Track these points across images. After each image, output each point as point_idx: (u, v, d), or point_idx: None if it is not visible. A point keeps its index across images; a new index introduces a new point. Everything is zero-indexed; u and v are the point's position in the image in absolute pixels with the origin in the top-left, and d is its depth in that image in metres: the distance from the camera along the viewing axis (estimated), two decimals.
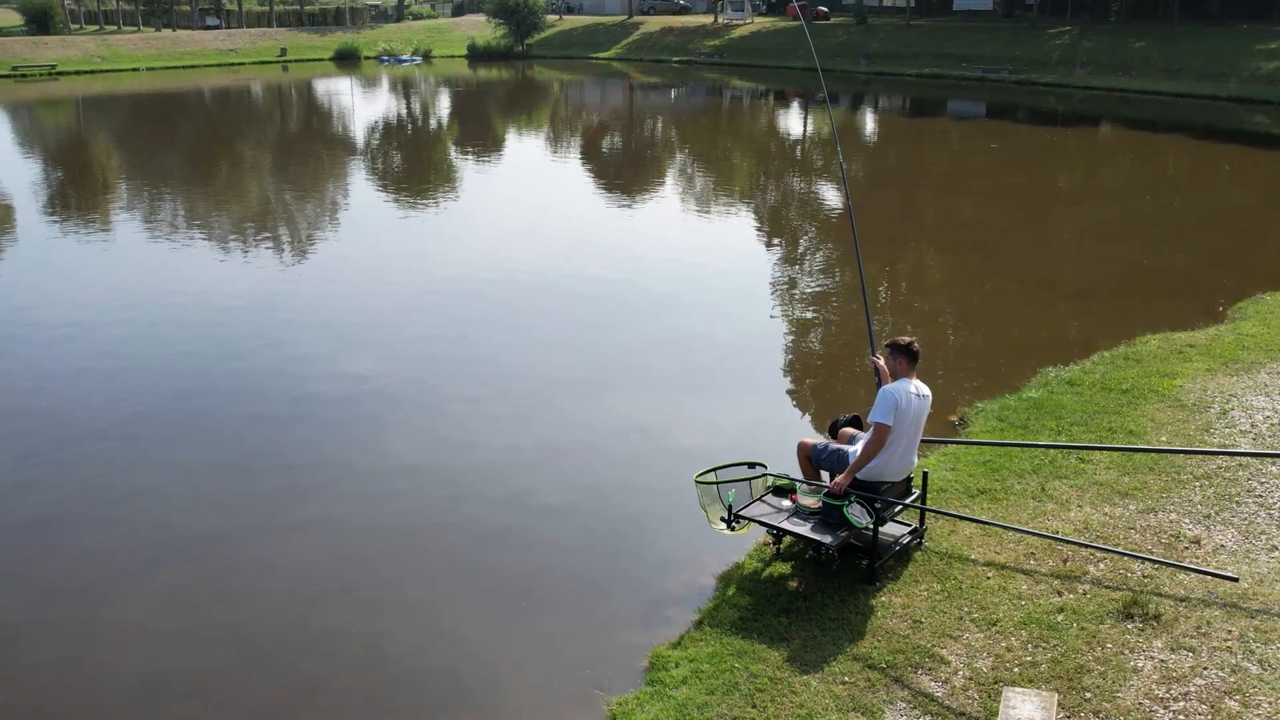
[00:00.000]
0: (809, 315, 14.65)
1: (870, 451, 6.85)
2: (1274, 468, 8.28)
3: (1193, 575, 6.82)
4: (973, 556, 7.21)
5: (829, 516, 6.89)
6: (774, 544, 7.38)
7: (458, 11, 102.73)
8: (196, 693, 6.49)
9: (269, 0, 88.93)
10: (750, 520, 7.04)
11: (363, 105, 50.51)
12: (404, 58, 77.42)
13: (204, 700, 6.43)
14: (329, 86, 60.55)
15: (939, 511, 7.40)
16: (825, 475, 7.36)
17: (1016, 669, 5.97)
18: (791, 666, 6.11)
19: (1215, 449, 8.59)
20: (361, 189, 26.21)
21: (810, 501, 7.06)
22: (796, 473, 7.53)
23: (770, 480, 7.40)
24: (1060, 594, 6.71)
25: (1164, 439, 8.99)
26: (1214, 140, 34.26)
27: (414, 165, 31.39)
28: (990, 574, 6.99)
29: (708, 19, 79.69)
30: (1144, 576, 6.85)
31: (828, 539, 6.75)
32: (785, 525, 6.94)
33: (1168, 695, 5.69)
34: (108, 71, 65.14)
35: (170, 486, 9.19)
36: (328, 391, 11.38)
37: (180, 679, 6.64)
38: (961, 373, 11.91)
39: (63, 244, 19.37)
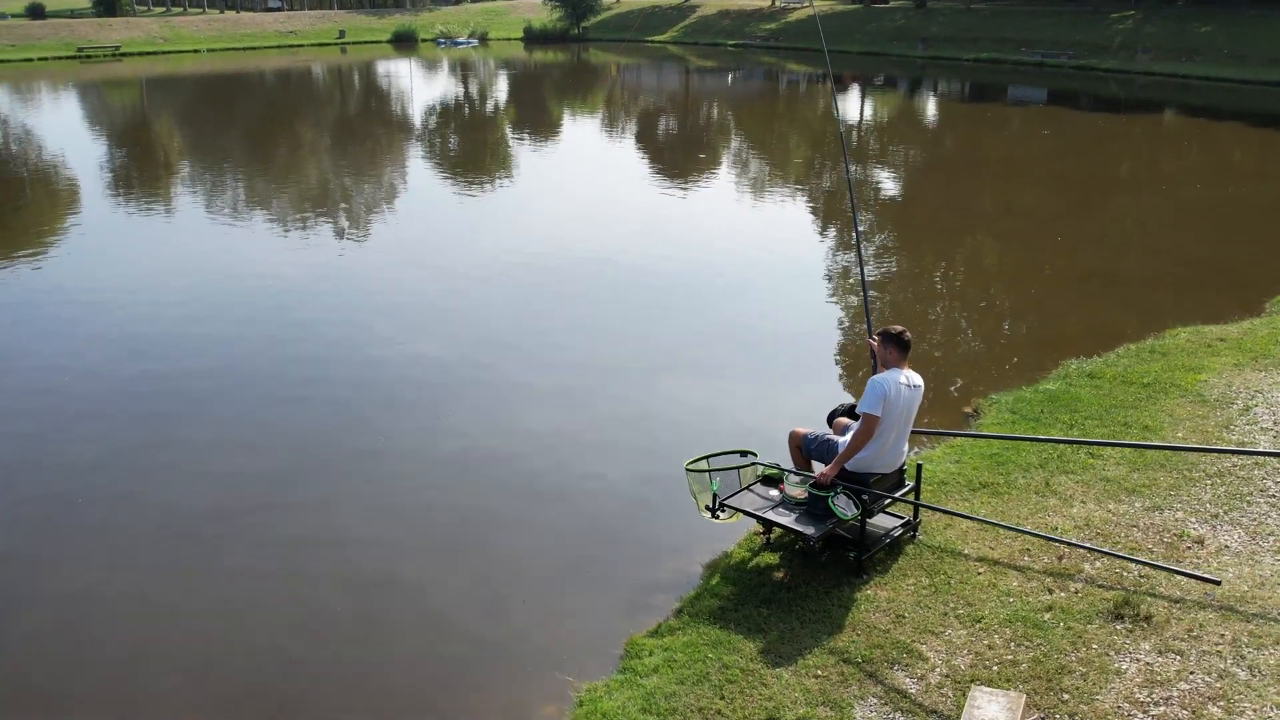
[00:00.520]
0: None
1: (858, 442, 6.73)
2: None
3: (1191, 576, 6.61)
4: (966, 551, 7.07)
5: (815, 507, 6.79)
6: (764, 534, 7.30)
7: None
8: (179, 667, 6.59)
9: None
10: (735, 509, 6.96)
11: (421, 87, 50.89)
12: (460, 40, 77.77)
13: (186, 675, 6.51)
14: (387, 68, 61.11)
15: (928, 505, 7.25)
16: (816, 465, 7.24)
17: (995, 667, 5.84)
18: (765, 658, 6.03)
19: (1227, 447, 8.33)
20: (419, 171, 26.50)
21: (797, 492, 6.96)
22: (790, 462, 7.43)
23: (760, 469, 7.30)
24: (1051, 592, 6.55)
25: (1180, 435, 8.74)
26: (1278, 129, 33.20)
27: (471, 147, 31.56)
28: (981, 570, 6.84)
29: (765, 2, 78.92)
30: (1140, 576, 6.66)
31: (811, 530, 6.65)
32: (770, 515, 6.85)
33: (1149, 699, 5.53)
34: (170, 53, 66.31)
35: (185, 462, 9.33)
36: (378, 373, 11.44)
37: (167, 650, 6.74)
38: (982, 363, 11.70)
39: (127, 223, 19.77)
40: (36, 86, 49.55)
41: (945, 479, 8.13)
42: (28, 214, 21.52)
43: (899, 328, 6.92)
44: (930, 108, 41.98)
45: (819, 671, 5.89)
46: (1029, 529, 7.14)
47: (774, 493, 7.10)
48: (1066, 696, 5.57)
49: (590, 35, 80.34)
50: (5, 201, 22.62)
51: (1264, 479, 7.88)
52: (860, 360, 11.99)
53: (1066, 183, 23.37)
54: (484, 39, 79.57)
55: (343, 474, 9.16)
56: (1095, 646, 5.97)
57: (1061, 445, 8.47)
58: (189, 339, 12.61)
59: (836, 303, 14.38)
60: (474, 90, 50.89)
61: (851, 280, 15.32)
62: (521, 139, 32.71)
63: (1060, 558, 6.95)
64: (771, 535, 7.28)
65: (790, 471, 7.13)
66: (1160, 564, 6.57)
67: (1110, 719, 5.40)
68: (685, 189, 23.68)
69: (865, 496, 6.71)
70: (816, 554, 7.01)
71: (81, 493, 8.76)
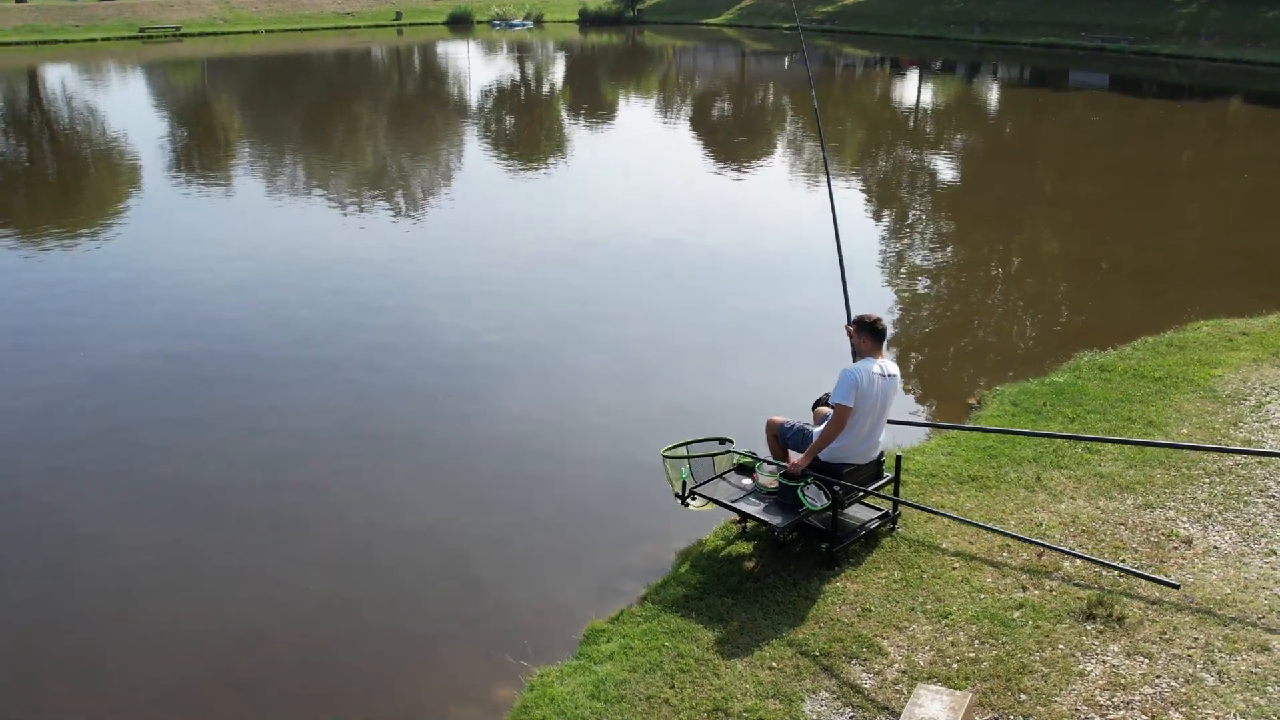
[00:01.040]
0: (917, 290, 14.23)
1: (829, 433, 6.61)
2: None
3: (1170, 577, 6.41)
4: (944, 546, 6.92)
5: (785, 498, 6.68)
6: (740, 523, 7.21)
7: None
8: (149, 638, 6.68)
9: None
10: (704, 497, 6.88)
11: (478, 69, 51.19)
12: (515, 22, 78.00)
13: (150, 644, 6.61)
14: (443, 50, 61.51)
15: (898, 500, 7.08)
16: (793, 455, 7.13)
17: (955, 665, 5.72)
18: (722, 648, 5.96)
19: (1221, 446, 8.07)
20: (475, 152, 26.75)
21: (768, 481, 6.85)
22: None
23: (736, 458, 7.21)
24: (1025, 589, 6.39)
25: (1184, 431, 8.49)
26: None
27: (527, 130, 31.68)
28: (957, 565, 6.70)
29: None
30: (1119, 576, 6.47)
31: (779, 520, 6.55)
32: (738, 505, 6.76)
33: (1109, 703, 5.37)
34: (229, 34, 67.32)
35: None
36: (433, 355, 11.53)
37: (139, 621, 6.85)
38: (994, 354, 11.48)
39: (187, 201, 20.21)
40: (102, 66, 50.64)
41: (934, 471, 7.98)
42: (92, 190, 22.02)
43: (874, 316, 6.78)
44: (989, 93, 41.16)
45: (774, 663, 5.80)
46: (993, 525, 6.98)
47: (747, 481, 7.01)
48: (1024, 697, 5.44)
49: (645, 18, 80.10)
50: (71, 179, 23.19)
51: (1265, 479, 7.62)
52: (909, 348, 11.83)
53: (1114, 171, 22.86)
54: (539, 21, 79.74)
55: (338, 453, 9.22)
56: (1062, 647, 5.82)
57: (1058, 440, 8.26)
58: (246, 318, 12.76)
59: (891, 290, 14.16)
60: (530, 72, 51.03)
61: (904, 269, 15.16)
62: (577, 122, 32.76)
63: (1040, 555, 6.78)
64: (747, 525, 7.19)
65: (763, 460, 7.03)
66: (1116, 564, 6.36)
67: None
68: (741, 173, 23.55)
69: (837, 488, 6.59)
70: (789, 544, 6.91)
71: (122, 462, 9.03)
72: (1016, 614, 6.13)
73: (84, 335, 12.13)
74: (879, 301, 13.34)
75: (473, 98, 38.91)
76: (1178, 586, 6.06)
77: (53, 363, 11.24)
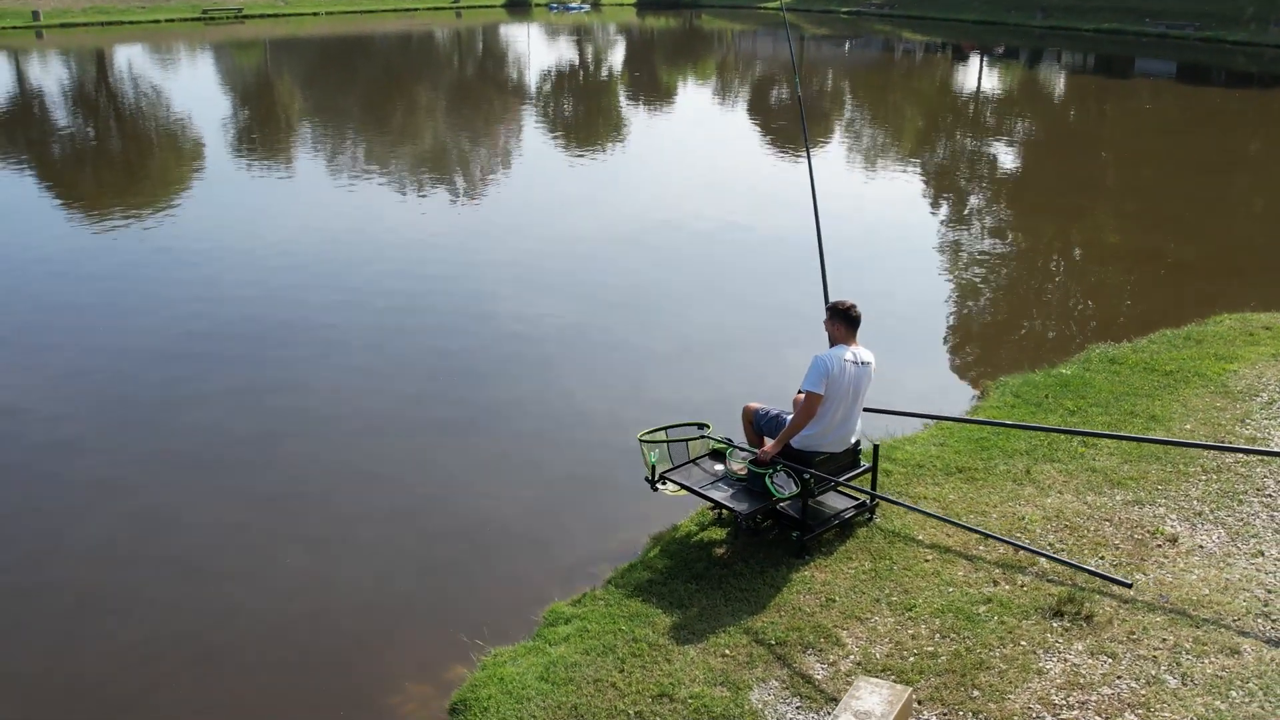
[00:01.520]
0: (950, 276, 14.02)
1: (799, 421, 6.51)
2: None
3: (1150, 576, 6.25)
4: (919, 537, 6.80)
5: (754, 484, 6.60)
6: (715, 509, 7.14)
7: None
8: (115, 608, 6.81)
9: None
10: (673, 482, 6.82)
11: (536, 51, 51.35)
12: (573, 5, 78.03)
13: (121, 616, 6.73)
14: (501, 32, 61.74)
15: (865, 491, 6.95)
16: (768, 442, 7.03)
17: (912, 659, 5.61)
18: (677, 634, 5.91)
19: (1209, 443, 7.82)
20: (535, 135, 26.83)
21: (738, 467, 6.78)
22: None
23: (711, 443, 7.14)
24: (996, 584, 6.25)
25: (1188, 427, 8.24)
26: None
27: (587, 112, 31.82)
28: (930, 557, 6.57)
29: None
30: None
31: (744, 507, 6.47)
32: (706, 491, 6.69)
33: (1063, 702, 5.24)
34: (290, 15, 68.13)
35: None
36: (485, 339, 11.56)
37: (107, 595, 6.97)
38: (1008, 345, 11.24)
39: (250, 181, 20.63)
40: (166, 48, 51.51)
41: (922, 461, 7.84)
42: (156, 168, 22.59)
43: (848, 302, 6.66)
44: (1052, 80, 40.21)
45: (727, 650, 5.74)
46: (952, 518, 6.84)
47: (720, 467, 6.94)
48: (976, 693, 5.32)
49: (703, 1, 79.61)
50: (135, 157, 23.73)
51: (1264, 477, 7.38)
52: (974, 337, 11.63)
53: (1175, 161, 22.36)
54: (596, 4, 79.70)
55: (347, 431, 9.31)
56: (1024, 643, 5.68)
57: (1054, 433, 8.06)
58: (306, 296, 12.94)
59: (951, 279, 13.96)
60: (589, 55, 51.05)
61: (964, 257, 14.97)
62: (636, 105, 32.71)
63: (1017, 549, 6.62)
64: (722, 511, 7.12)
65: (736, 447, 6.95)
66: (1068, 560, 6.17)
67: None
68: (799, 158, 23.35)
69: (806, 476, 6.49)
70: (763, 532, 6.84)
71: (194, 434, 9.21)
72: (983, 609, 6.00)
73: (122, 310, 12.43)
74: (909, 287, 13.15)
75: (531, 80, 39.05)
76: (1130, 585, 5.89)
77: (89, 336, 11.49)
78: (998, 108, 32.02)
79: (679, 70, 44.80)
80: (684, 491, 6.88)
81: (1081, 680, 5.38)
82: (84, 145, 25.62)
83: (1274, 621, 5.76)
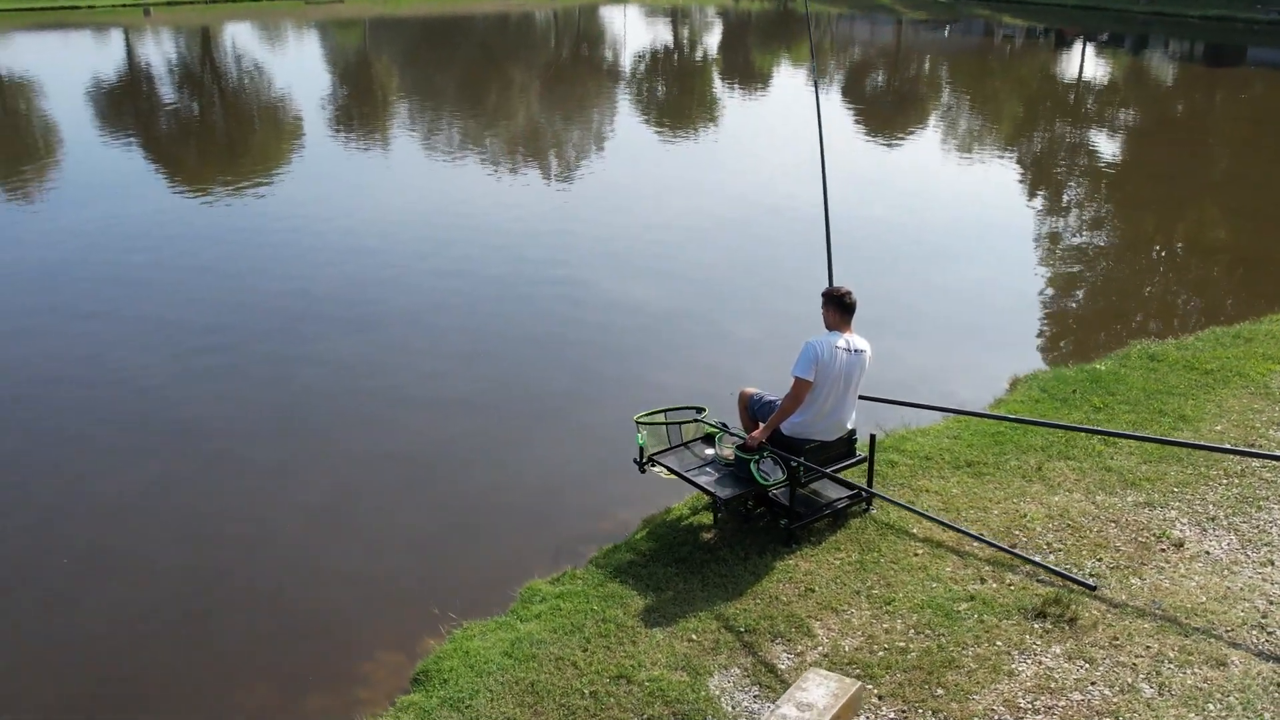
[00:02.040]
0: (1073, 271, 13.65)
1: (786, 407, 6.40)
2: None
3: (1146, 580, 6.01)
4: (914, 531, 6.64)
5: (740, 470, 6.52)
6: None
7: None
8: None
9: None
10: (661, 465, 6.77)
11: (632, 33, 51.42)
12: None
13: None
14: (599, 14, 61.87)
15: (846, 483, 6.79)
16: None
17: (881, 653, 5.49)
18: (648, 616, 5.87)
19: (1217, 445, 7.48)
20: (628, 117, 26.98)
21: (726, 452, 6.70)
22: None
23: (706, 427, 7.07)
24: (983, 581, 6.08)
25: (1219, 429, 7.90)
26: None
27: (681, 95, 31.81)
28: (920, 550, 6.42)
29: None
30: (1089, 575, 6.08)
31: (726, 492, 6.40)
32: (691, 474, 6.62)
33: (1029, 706, 5.07)
34: None
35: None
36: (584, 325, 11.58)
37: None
38: (1052, 337, 10.89)
39: (347, 158, 21.15)
40: (269, 27, 52.80)
41: (931, 453, 7.66)
42: (256, 145, 23.37)
43: (843, 288, 6.51)
44: (1158, 68, 38.70)
45: (695, 635, 5.69)
46: (929, 513, 6.66)
47: (710, 451, 6.87)
48: (940, 692, 5.18)
49: None
50: (237, 134, 24.50)
51: None
52: (1025, 328, 11.43)
53: (1271, 154, 21.33)
54: None
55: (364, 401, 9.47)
56: (1000, 644, 5.52)
57: (1054, 427, 7.80)
58: (380, 275, 13.09)
59: (1047, 270, 13.61)
60: (684, 37, 50.91)
61: (1060, 248, 14.62)
62: (731, 88, 32.57)
63: (1013, 545, 6.43)
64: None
65: (727, 431, 6.87)
66: (1036, 559, 5.95)
67: None
68: (896, 145, 23.03)
69: (794, 464, 6.39)
70: (753, 519, 6.76)
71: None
72: (964, 606, 5.84)
73: (211, 277, 12.84)
74: (970, 276, 12.85)
75: (626, 62, 39.11)
76: (1094, 588, 5.66)
77: (141, 305, 11.89)
78: (1100, 96, 30.93)
79: (774, 52, 44.37)
80: (672, 475, 6.83)
81: (1052, 684, 5.20)
82: (189, 120, 26.48)
83: (1270, 634, 5.50)
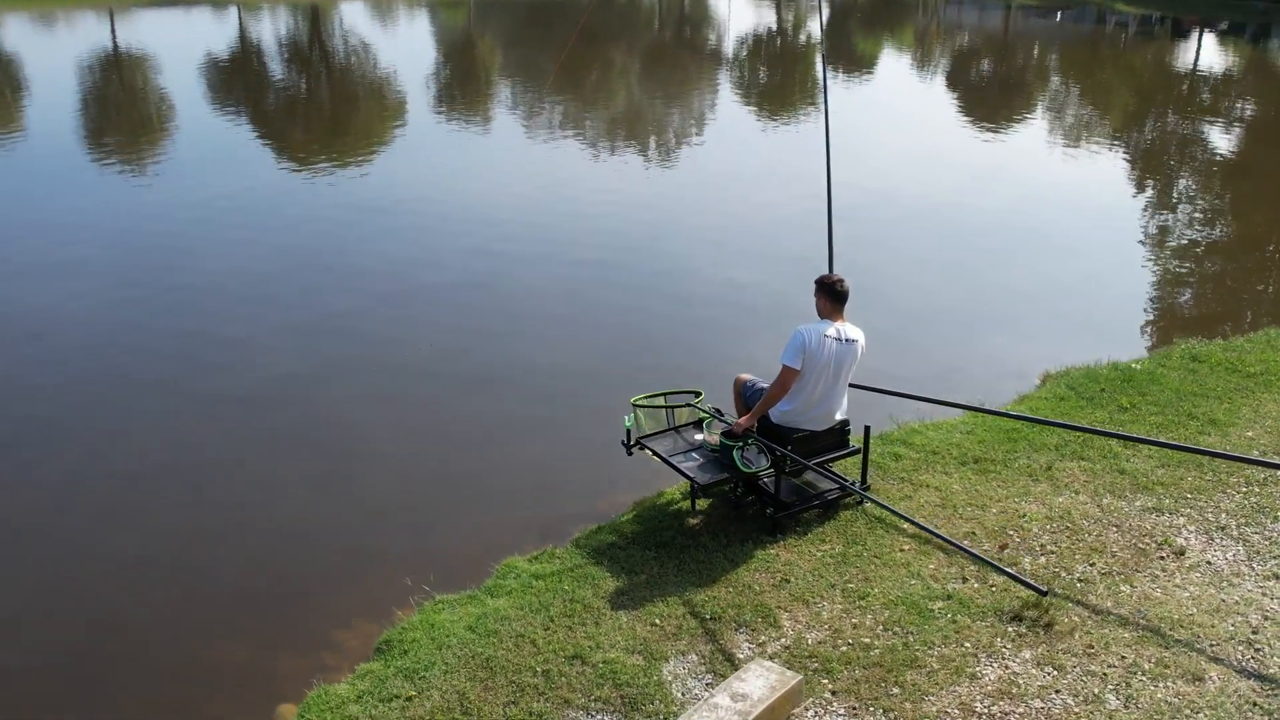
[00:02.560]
0: (1182, 268, 13.31)
1: (771, 395, 6.30)
2: None
3: (1136, 588, 5.78)
4: (904, 526, 6.49)
5: (725, 457, 6.44)
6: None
7: None
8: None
9: None
10: (646, 448, 6.73)
11: (734, 15, 51.10)
12: None
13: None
14: None
15: (828, 474, 6.65)
16: None
17: (844, 649, 5.38)
18: (617, 598, 5.85)
19: (1223, 453, 7.12)
20: (729, 101, 26.95)
21: (712, 438, 6.63)
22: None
23: (699, 412, 7.00)
24: (965, 580, 5.91)
25: (1250, 435, 7.54)
26: None
27: (782, 80, 31.59)
28: (907, 546, 6.27)
29: None
30: (1078, 580, 5.88)
31: (704, 478, 6.33)
32: (673, 458, 6.56)
33: (985, 711, 4.92)
34: None
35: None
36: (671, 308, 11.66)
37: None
38: (1103, 334, 10.50)
39: (448, 137, 21.68)
40: (380, 4, 53.74)
41: (938, 448, 7.47)
42: (360, 122, 23.99)
43: (836, 276, 6.37)
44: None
45: (658, 620, 5.65)
46: (903, 513, 6.47)
47: (699, 436, 6.80)
48: (896, 691, 5.06)
49: None
50: (342, 111, 25.17)
51: None
52: (1115, 324, 11.10)
53: None
54: None
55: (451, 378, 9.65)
56: (968, 645, 5.36)
57: (1052, 425, 7.53)
58: (504, 253, 13.36)
59: (1157, 267, 13.25)
60: (788, 20, 50.39)
61: (1170, 246, 14.20)
62: (835, 74, 32.19)
63: (1003, 547, 6.25)
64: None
65: (716, 417, 6.79)
66: (989, 560, 5.69)
67: None
68: (1005, 135, 22.52)
69: (778, 453, 6.29)
70: (743, 506, 6.69)
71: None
72: (939, 605, 5.69)
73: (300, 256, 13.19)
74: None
75: (729, 45, 38.93)
76: (1045, 593, 5.43)
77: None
78: (1217, 88, 29.62)
79: (878, 37, 43.62)
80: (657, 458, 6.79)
81: (1015, 690, 5.04)
82: (296, 97, 27.25)
83: (1257, 651, 5.23)
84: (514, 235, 14.03)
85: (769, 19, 51.24)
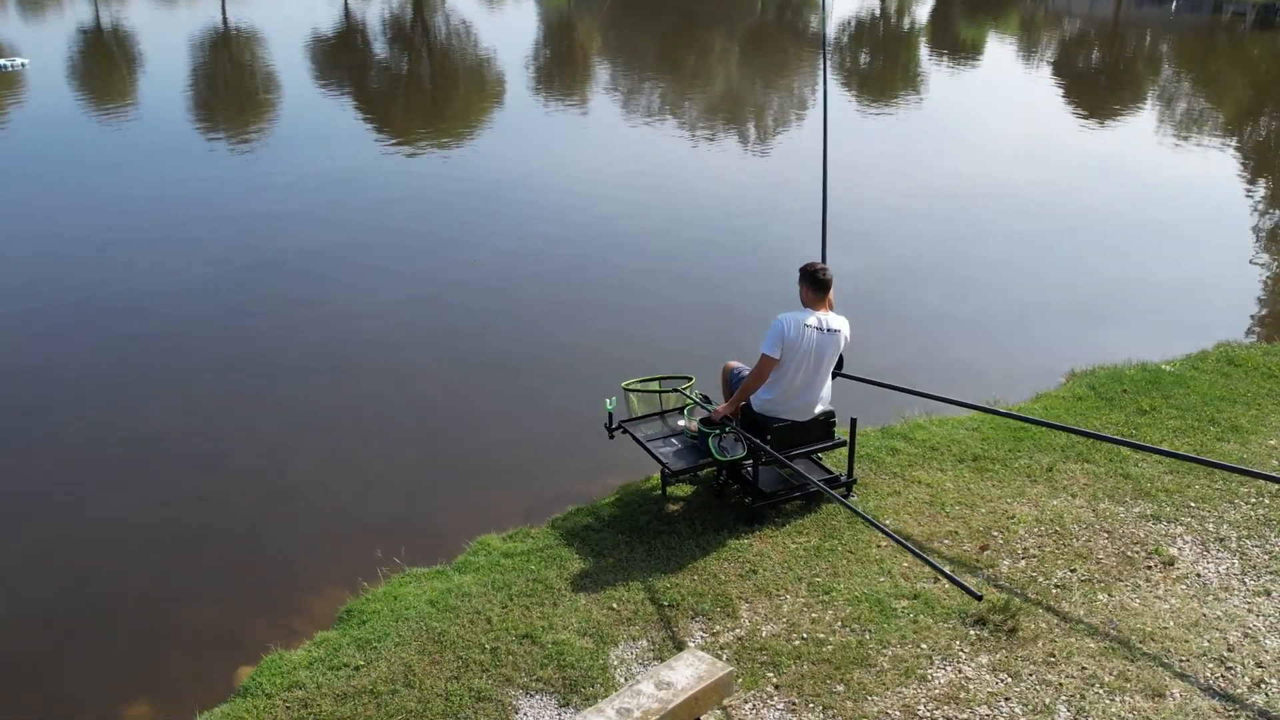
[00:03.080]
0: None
1: (748, 384, 6.21)
2: None
3: (1113, 598, 5.57)
4: (886, 520, 6.35)
5: (701, 443, 6.38)
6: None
7: None
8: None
9: None
10: (628, 433, 6.70)
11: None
12: None
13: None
14: None
15: (805, 474, 6.47)
16: None
17: (796, 643, 5.30)
18: (579, 581, 5.85)
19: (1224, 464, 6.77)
20: (831, 87, 26.70)
21: (691, 425, 6.57)
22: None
23: (685, 398, 6.94)
24: (936, 580, 5.75)
25: (1272, 443, 7.19)
26: None
27: (886, 67, 31.19)
28: (885, 542, 6.13)
29: None
30: (1054, 586, 5.69)
31: (678, 465, 6.28)
32: (651, 443, 6.52)
33: (928, 714, 4.80)
34: None
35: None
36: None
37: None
38: (1142, 334, 10.12)
39: (545, 120, 22.01)
40: None
41: (939, 444, 7.29)
42: (459, 103, 24.42)
43: (819, 264, 6.24)
44: None
45: (616, 604, 5.63)
46: (875, 516, 6.30)
47: (681, 422, 6.75)
48: (840, 689, 4.97)
49: None
50: (441, 91, 25.68)
51: None
52: (1155, 323, 10.80)
53: None
54: None
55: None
56: (924, 646, 5.23)
57: (1053, 428, 7.25)
58: (603, 234, 13.57)
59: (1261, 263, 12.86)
60: (891, 5, 49.55)
61: (1274, 242, 13.73)
62: (939, 62, 31.62)
63: (984, 548, 6.08)
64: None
65: (698, 404, 6.72)
66: (934, 561, 5.44)
67: None
68: (1111, 126, 21.91)
69: (755, 443, 6.20)
70: (726, 494, 6.63)
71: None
72: (904, 604, 5.56)
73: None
74: (1098, 267, 12.22)
75: (831, 30, 38.50)
76: (980, 598, 5.23)
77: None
78: None
79: (980, 25, 42.58)
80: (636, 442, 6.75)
81: (963, 695, 4.90)
82: (398, 76, 27.82)
83: (1228, 670, 5.00)
84: (611, 215, 14.11)
85: (872, 2, 50.29)
